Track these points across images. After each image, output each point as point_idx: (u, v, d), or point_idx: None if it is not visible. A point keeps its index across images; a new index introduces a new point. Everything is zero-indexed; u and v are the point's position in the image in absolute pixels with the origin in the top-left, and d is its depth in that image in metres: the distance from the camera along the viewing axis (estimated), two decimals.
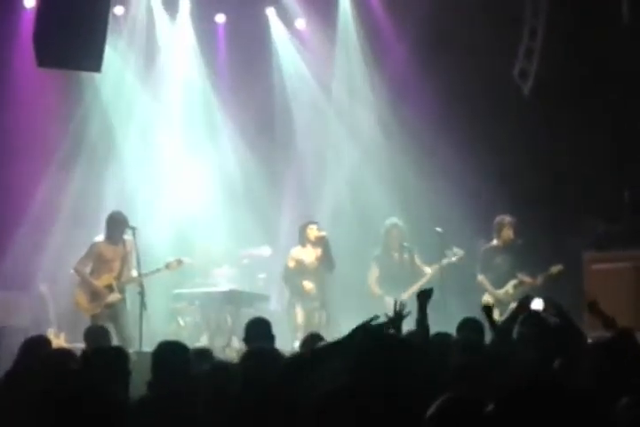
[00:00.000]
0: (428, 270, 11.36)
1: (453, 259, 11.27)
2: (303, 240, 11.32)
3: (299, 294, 11.26)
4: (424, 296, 5.99)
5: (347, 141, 13.42)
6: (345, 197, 13.16)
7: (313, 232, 11.25)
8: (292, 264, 11.28)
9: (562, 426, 3.20)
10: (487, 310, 6.69)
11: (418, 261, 11.47)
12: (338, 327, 10.37)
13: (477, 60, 12.44)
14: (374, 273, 11.47)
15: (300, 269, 11.23)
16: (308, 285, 11.21)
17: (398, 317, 5.62)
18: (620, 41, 11.81)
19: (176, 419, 4.73)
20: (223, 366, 4.95)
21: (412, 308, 6.16)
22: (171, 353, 5.25)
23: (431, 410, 3.22)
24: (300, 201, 13.10)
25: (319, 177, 13.35)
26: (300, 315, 11.17)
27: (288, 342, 10.26)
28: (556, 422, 3.21)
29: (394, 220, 11.53)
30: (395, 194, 12.79)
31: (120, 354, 5.49)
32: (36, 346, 6.44)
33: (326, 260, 11.21)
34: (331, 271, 11.33)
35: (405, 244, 11.49)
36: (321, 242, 11.22)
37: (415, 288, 11.23)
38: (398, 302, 5.77)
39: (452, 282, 11.28)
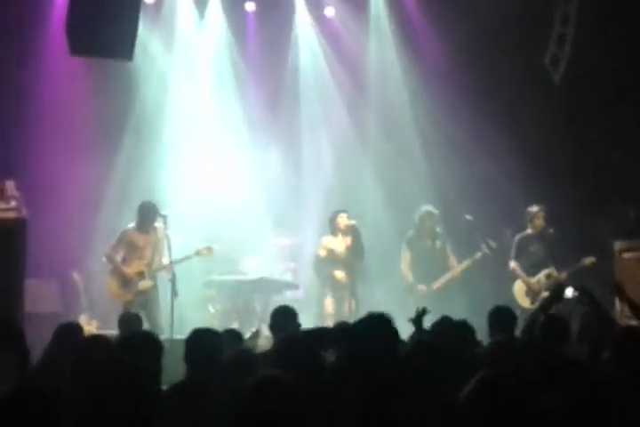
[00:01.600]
0: (454, 263, 11.35)
1: (488, 252, 11.22)
2: (333, 229, 11.30)
3: (329, 283, 11.27)
4: (418, 320, 6.33)
5: (377, 129, 13.42)
6: (375, 187, 13.14)
7: (343, 221, 11.23)
8: (322, 253, 11.27)
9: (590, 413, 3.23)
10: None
11: (449, 250, 11.44)
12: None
13: (508, 47, 12.39)
14: (407, 257, 11.43)
15: (331, 259, 11.22)
16: (339, 274, 11.21)
17: (419, 316, 6.37)
18: None
19: (209, 406, 4.74)
20: (247, 354, 4.94)
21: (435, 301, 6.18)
22: (204, 340, 5.27)
23: (467, 389, 3.19)
24: (329, 190, 13.09)
25: (348, 165, 13.34)
26: (330, 304, 11.19)
27: None
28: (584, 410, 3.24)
29: (429, 207, 11.48)
30: (425, 182, 12.80)
31: (153, 340, 5.50)
32: (68, 332, 6.45)
33: (357, 249, 11.20)
34: (361, 260, 11.31)
35: (438, 230, 11.47)
36: (351, 231, 11.19)
37: (445, 281, 11.26)
38: (420, 308, 6.48)
39: (483, 270, 11.30)
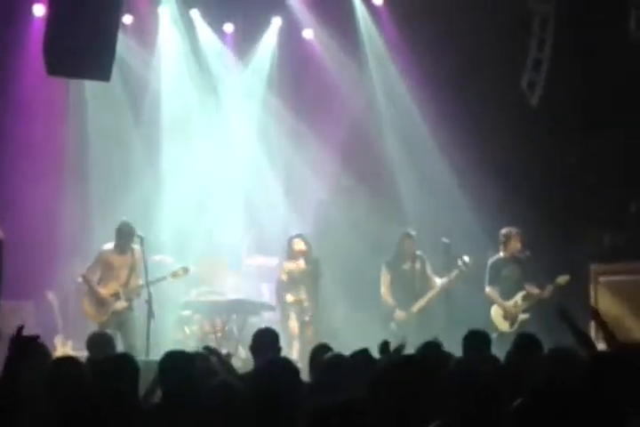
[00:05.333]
0: (438, 282, 11.35)
1: (464, 268, 11.22)
2: (290, 253, 11.62)
3: (291, 306, 11.48)
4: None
5: (354, 148, 13.44)
6: (349, 211, 13.14)
7: (297, 245, 11.56)
8: (284, 277, 11.58)
9: None
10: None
11: (429, 271, 11.46)
12: (332, 339, 10.34)
13: (486, 70, 12.45)
14: (386, 280, 11.46)
15: (292, 282, 11.53)
16: (299, 297, 11.48)
17: (398, 351, 6.11)
18: (627, 55, 11.82)
19: None
20: (229, 385, 4.87)
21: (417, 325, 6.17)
22: (177, 363, 5.25)
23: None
24: (305, 212, 13.11)
25: (329, 189, 13.34)
26: (295, 327, 11.33)
27: (284, 352, 10.24)
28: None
29: (407, 230, 11.53)
30: (402, 205, 12.86)
31: (128, 362, 5.46)
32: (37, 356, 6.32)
33: (310, 272, 11.53)
34: (316, 282, 11.56)
35: (418, 252, 11.50)
36: (304, 254, 11.52)
37: (425, 301, 11.27)
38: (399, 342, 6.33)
39: (459, 294, 11.29)
